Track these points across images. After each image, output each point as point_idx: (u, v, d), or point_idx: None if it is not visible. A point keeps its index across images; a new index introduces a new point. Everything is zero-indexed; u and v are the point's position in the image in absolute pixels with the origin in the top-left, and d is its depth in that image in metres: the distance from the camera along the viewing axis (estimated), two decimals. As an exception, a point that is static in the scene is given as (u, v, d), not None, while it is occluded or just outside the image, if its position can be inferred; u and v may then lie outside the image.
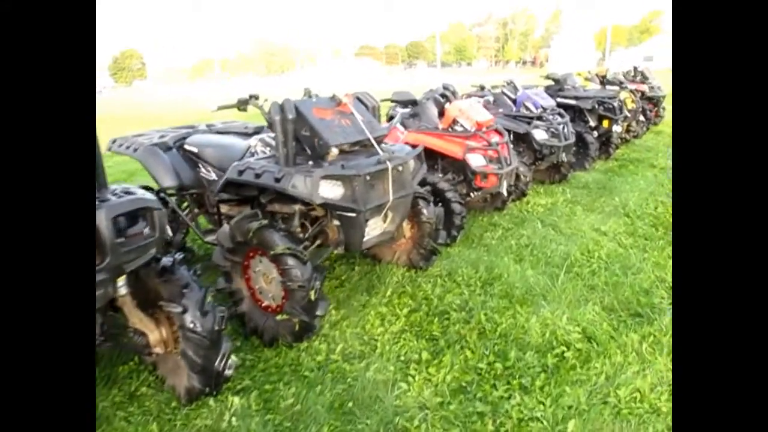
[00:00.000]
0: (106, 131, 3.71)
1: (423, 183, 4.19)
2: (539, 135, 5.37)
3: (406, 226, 3.70)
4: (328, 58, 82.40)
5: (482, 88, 5.91)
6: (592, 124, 6.90)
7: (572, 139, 5.57)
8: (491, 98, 5.84)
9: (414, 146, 3.48)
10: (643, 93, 9.88)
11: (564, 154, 5.57)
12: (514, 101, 5.67)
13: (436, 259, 3.78)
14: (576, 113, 7.01)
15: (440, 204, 4.17)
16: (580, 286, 3.34)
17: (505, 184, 4.40)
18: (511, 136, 5.53)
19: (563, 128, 5.54)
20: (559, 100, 6.85)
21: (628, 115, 8.08)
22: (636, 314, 2.98)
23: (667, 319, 2.86)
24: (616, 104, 6.82)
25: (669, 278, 3.40)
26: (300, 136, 3.01)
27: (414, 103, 4.62)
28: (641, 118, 9.02)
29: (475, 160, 4.20)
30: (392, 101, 4.45)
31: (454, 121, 4.33)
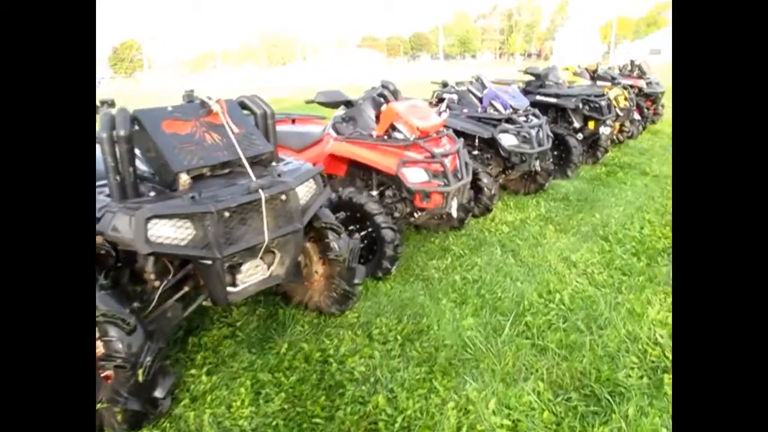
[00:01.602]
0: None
1: (346, 205, 3.43)
2: (507, 140, 4.58)
3: (317, 260, 2.95)
4: (331, 49, 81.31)
5: (445, 84, 5.11)
6: (577, 125, 6.09)
7: (548, 145, 4.78)
8: (455, 97, 5.05)
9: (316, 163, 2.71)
10: (640, 89, 9.06)
11: (537, 162, 4.78)
12: (481, 100, 4.88)
13: (355, 301, 3.02)
14: (558, 113, 6.21)
15: (369, 230, 3.42)
16: (527, 348, 2.56)
17: (454, 204, 3.61)
18: (476, 141, 4.79)
19: (537, 132, 4.74)
20: (538, 98, 6.05)
21: (620, 114, 7.26)
22: (591, 398, 2.20)
23: (632, 410, 2.08)
24: (603, 103, 6.00)
25: (643, 335, 2.63)
26: (147, 158, 2.26)
27: (349, 104, 3.84)
28: (636, 116, 8.19)
29: (413, 176, 3.42)
30: (318, 103, 3.67)
31: (393, 127, 3.55)
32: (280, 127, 4.29)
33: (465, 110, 4.89)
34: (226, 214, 2.14)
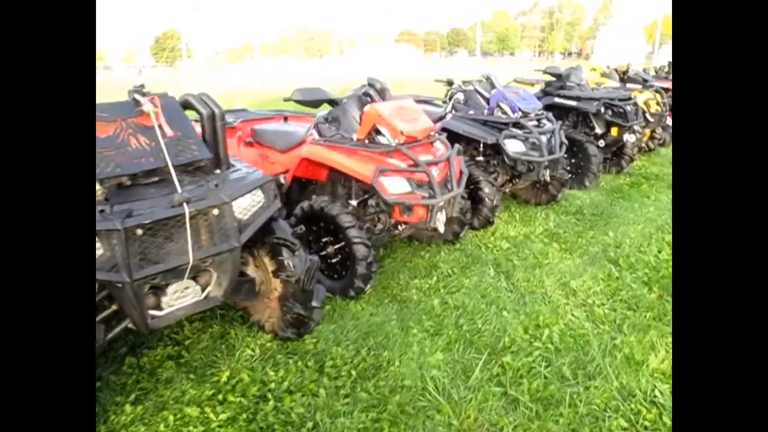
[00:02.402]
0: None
1: (318, 216, 3.11)
2: (513, 146, 4.17)
3: (274, 279, 2.64)
4: (367, 43, 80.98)
5: (450, 83, 4.71)
6: (599, 131, 5.59)
7: (560, 153, 4.33)
8: (461, 97, 4.65)
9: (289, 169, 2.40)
10: (677, 93, 8.41)
11: (547, 172, 4.34)
12: (489, 101, 4.47)
13: (314, 325, 2.70)
14: (579, 118, 5.72)
15: (343, 245, 3.09)
16: (496, 398, 2.19)
17: (440, 218, 3.24)
18: (481, 146, 4.40)
19: (548, 138, 4.31)
20: (557, 100, 5.58)
21: (651, 120, 6.70)
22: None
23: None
24: (629, 108, 5.48)
25: (639, 390, 2.21)
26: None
27: (333, 103, 3.51)
28: (670, 122, 7.58)
29: (393, 186, 3.06)
30: (295, 101, 3.33)
31: (376, 130, 3.21)
32: (266, 126, 4.01)
33: (471, 112, 4.49)
34: (139, 231, 1.84)
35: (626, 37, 43.16)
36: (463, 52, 78.86)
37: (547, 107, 5.66)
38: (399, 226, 3.41)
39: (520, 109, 4.25)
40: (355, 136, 3.23)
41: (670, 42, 54.58)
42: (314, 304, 2.62)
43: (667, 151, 7.58)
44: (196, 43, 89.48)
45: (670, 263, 3.56)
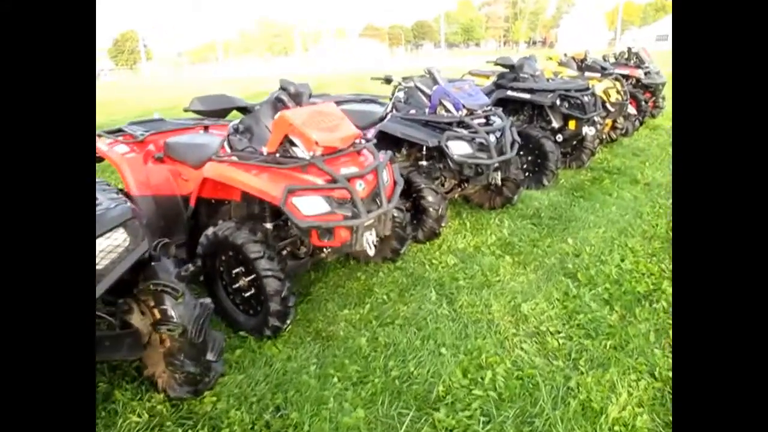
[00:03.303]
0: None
1: (224, 245, 2.64)
2: (457, 148, 3.73)
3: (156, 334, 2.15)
4: (331, 38, 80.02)
5: (388, 80, 4.25)
6: (556, 125, 5.22)
7: (511, 153, 3.92)
8: (401, 95, 4.20)
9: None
10: (637, 80, 8.17)
11: (498, 174, 3.93)
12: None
13: (214, 379, 2.22)
14: (535, 111, 5.33)
15: (253, 278, 2.61)
16: (421, 477, 1.75)
17: (369, 239, 2.79)
18: (424, 150, 3.96)
19: (499, 137, 3.90)
20: (509, 94, 5.18)
21: (611, 109, 6.38)
22: None
23: None
24: (586, 98, 5.11)
25: (598, 453, 1.81)
26: None
27: (245, 111, 3.02)
28: (632, 111, 7.28)
29: (308, 207, 2.59)
30: (195, 112, 2.81)
31: (291, 142, 2.73)
32: (179, 139, 3.48)
33: (413, 111, 4.05)
34: None
35: (588, 25, 43.48)
36: (428, 44, 78.64)
37: (500, 101, 5.27)
38: (324, 250, 2.95)
39: (464, 106, 3.81)
40: (265, 150, 2.75)
41: (631, 28, 55.43)
42: (209, 357, 2.14)
43: (630, 142, 7.29)
44: (157, 45, 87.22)
45: (633, 274, 3.18)
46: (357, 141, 3.00)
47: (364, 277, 3.33)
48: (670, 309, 2.77)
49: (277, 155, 2.72)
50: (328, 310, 2.96)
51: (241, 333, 2.67)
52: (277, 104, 2.92)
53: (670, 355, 2.33)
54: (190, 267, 2.13)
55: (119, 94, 19.90)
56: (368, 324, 2.78)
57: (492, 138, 3.84)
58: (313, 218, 2.60)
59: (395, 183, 3.15)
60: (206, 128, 3.76)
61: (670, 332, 2.55)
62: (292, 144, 2.74)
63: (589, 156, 5.76)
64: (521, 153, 5.10)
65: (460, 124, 3.80)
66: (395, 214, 3.35)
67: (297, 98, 2.97)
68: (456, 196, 4.33)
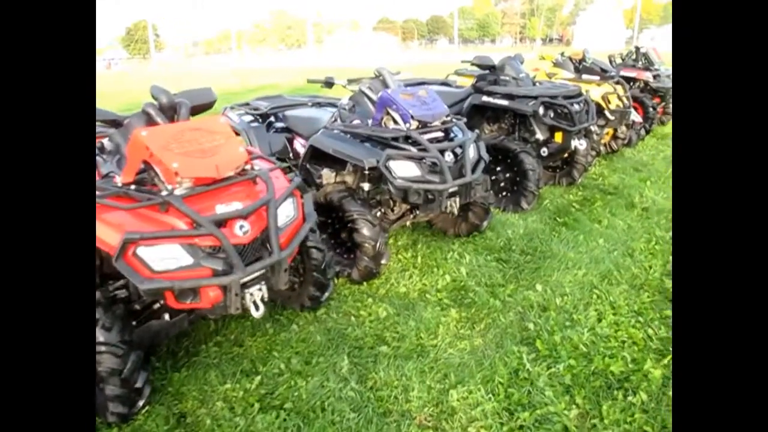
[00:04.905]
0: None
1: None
2: (402, 170, 3.01)
3: None
4: (345, 31, 79.12)
5: (329, 84, 3.54)
6: (540, 137, 4.46)
7: (473, 175, 3.19)
8: (346, 102, 3.49)
9: None
10: (645, 83, 7.36)
11: (455, 201, 3.21)
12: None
13: None
14: (518, 120, 4.59)
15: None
16: None
17: (255, 295, 2.12)
18: (367, 171, 3.25)
19: (458, 156, 3.18)
20: (484, 99, 4.44)
21: (611, 118, 5.62)
22: None
23: None
24: (576, 107, 4.36)
25: None
26: None
27: (116, 124, 2.36)
28: (637, 118, 6.50)
29: (160, 261, 1.90)
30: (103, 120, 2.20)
31: (152, 171, 2.05)
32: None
33: (357, 122, 3.34)
34: None
35: (605, 22, 42.14)
36: (443, 40, 77.43)
37: (477, 109, 4.55)
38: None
39: (412, 117, 3.09)
40: (119, 179, 2.07)
41: (651, 26, 53.72)
42: None
43: (633, 153, 6.50)
44: (171, 34, 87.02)
45: (610, 344, 2.46)
46: (248, 167, 2.32)
47: (271, 331, 2.66)
48: (651, 405, 2.05)
49: (132, 187, 2.05)
50: (208, 381, 2.29)
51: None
52: (147, 119, 2.24)
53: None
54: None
55: (126, 84, 19.51)
56: (248, 408, 2.11)
57: (448, 157, 3.12)
58: (166, 276, 1.92)
59: (303, 219, 2.47)
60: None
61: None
62: (155, 173, 2.07)
63: (581, 172, 5.01)
64: (498, 169, 4.38)
65: (408, 139, 3.08)
66: (315, 256, 2.67)
67: (169, 112, 2.28)
68: (408, 223, 3.62)
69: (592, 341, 2.48)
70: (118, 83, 20.35)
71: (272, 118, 4.00)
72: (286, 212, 2.41)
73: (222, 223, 2.09)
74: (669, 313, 2.72)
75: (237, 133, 4.02)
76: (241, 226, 2.12)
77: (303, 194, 2.55)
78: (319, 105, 4.18)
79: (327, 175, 3.39)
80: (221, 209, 2.11)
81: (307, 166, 3.43)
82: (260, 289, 2.24)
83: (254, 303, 2.22)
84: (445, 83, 5.45)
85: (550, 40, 70.40)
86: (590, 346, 2.43)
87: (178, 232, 1.96)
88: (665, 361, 2.32)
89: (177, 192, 2.07)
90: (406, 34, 76.41)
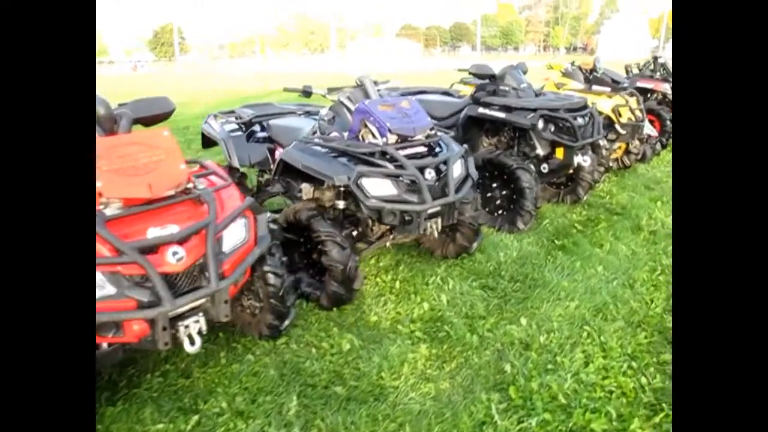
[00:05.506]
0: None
1: None
2: (375, 188, 2.77)
3: None
4: (367, 37, 79.31)
5: (307, 94, 3.30)
6: (541, 152, 4.17)
7: (457, 195, 2.93)
8: (325, 113, 3.27)
9: None
10: (663, 95, 7.00)
11: (435, 222, 2.95)
12: (361, 117, 3.07)
13: None
14: (517, 134, 4.31)
15: None
16: None
17: (190, 328, 1.91)
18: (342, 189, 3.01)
19: (441, 175, 2.93)
20: (480, 111, 4.17)
21: (622, 132, 5.30)
22: None
23: None
24: (579, 120, 4.06)
25: None
26: None
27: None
28: (651, 131, 6.14)
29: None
30: None
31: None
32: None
33: (335, 134, 3.11)
34: None
35: (630, 31, 41.32)
36: (466, 47, 77.05)
37: (474, 122, 4.29)
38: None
39: (390, 131, 2.85)
40: None
41: (678, 36, 52.14)
42: None
43: (646, 169, 6.14)
44: (197, 37, 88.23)
45: (595, 394, 2.17)
46: (190, 186, 2.11)
47: (224, 362, 2.43)
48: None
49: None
50: (141, 419, 2.07)
51: None
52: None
53: None
54: None
55: (151, 86, 19.74)
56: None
57: (429, 174, 2.87)
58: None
59: (257, 241, 2.25)
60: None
61: None
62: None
63: (586, 190, 4.69)
64: (494, 186, 4.11)
65: (385, 154, 2.84)
66: (272, 282, 2.44)
67: (108, 124, 2.08)
68: (388, 244, 3.37)
69: (575, 390, 2.19)
70: (143, 85, 20.59)
71: (256, 127, 3.84)
72: (236, 235, 2.20)
73: (153, 248, 1.88)
74: (667, 358, 2.42)
75: (214, 143, 3.84)
76: (175, 253, 1.91)
77: (257, 214, 2.32)
78: (308, 114, 3.98)
79: (306, 190, 3.15)
80: (153, 233, 1.90)
81: (279, 180, 3.21)
82: (197, 322, 2.02)
83: (189, 336, 2.00)
84: (446, 92, 5.20)
85: (574, 49, 69.48)
86: (571, 396, 2.15)
87: (98, 259, 1.75)
88: (657, 419, 2.02)
89: (107, 212, 1.87)
90: (429, 40, 76.22)
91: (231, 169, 3.74)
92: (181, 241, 1.94)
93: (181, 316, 1.99)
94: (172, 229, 1.95)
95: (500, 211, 4.08)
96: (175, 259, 1.90)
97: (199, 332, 2.03)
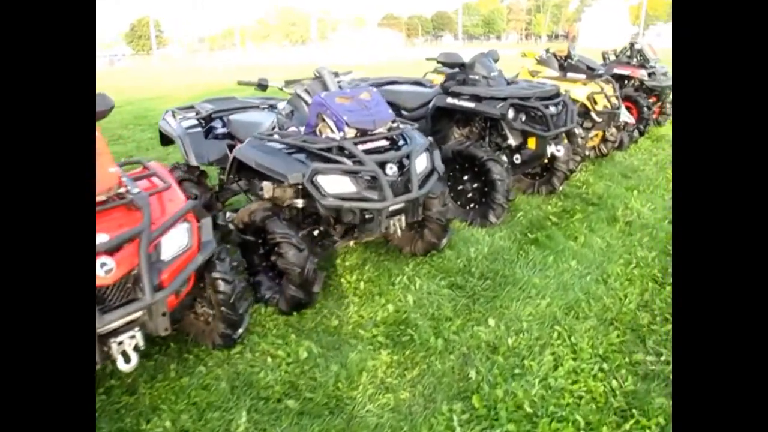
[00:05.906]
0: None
1: None
2: (332, 186, 2.61)
3: None
4: (349, 27, 78.60)
5: (263, 87, 3.13)
6: (513, 142, 4.05)
7: (420, 191, 2.78)
8: (284, 107, 3.10)
9: None
10: (640, 82, 6.93)
11: (398, 220, 2.82)
12: (320, 111, 2.91)
13: None
14: (488, 124, 4.17)
15: None
16: None
17: (122, 345, 1.75)
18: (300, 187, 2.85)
19: (403, 170, 2.78)
20: (449, 101, 4.03)
21: (598, 119, 5.21)
22: None
23: None
24: (551, 109, 3.94)
25: None
26: None
27: None
28: (628, 119, 6.06)
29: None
30: None
31: None
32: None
33: (292, 129, 2.95)
34: None
35: (611, 19, 41.42)
36: (448, 36, 76.74)
37: (443, 111, 4.14)
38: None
39: (347, 124, 2.69)
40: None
41: (658, 23, 52.80)
42: None
43: (623, 157, 6.06)
44: (176, 30, 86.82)
45: (563, 401, 2.06)
46: (123, 190, 1.94)
47: (173, 375, 2.28)
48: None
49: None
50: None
51: None
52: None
53: None
54: None
55: (128, 81, 19.26)
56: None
57: (390, 170, 2.72)
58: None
59: (199, 247, 2.09)
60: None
61: None
62: None
63: (562, 180, 4.58)
64: (465, 179, 3.98)
65: (341, 150, 2.68)
66: (222, 289, 2.28)
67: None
68: (352, 243, 3.22)
69: (542, 396, 2.08)
70: (120, 80, 20.10)
71: (216, 123, 3.66)
72: (177, 242, 2.04)
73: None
74: (639, 358, 2.32)
75: (171, 141, 3.66)
76: (103, 264, 1.75)
77: (200, 218, 2.16)
78: (271, 108, 3.81)
79: (268, 188, 2.98)
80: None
81: (235, 179, 3.04)
82: (133, 337, 1.87)
83: (124, 353, 1.85)
84: (418, 82, 5.05)
85: (556, 37, 69.57)
86: (538, 404, 2.03)
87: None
88: (627, 426, 1.92)
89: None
90: (411, 30, 75.76)
91: (190, 168, 3.57)
92: (111, 251, 1.78)
93: (115, 332, 1.83)
94: (101, 238, 1.78)
95: (472, 205, 3.95)
96: (103, 271, 1.74)
97: (136, 348, 1.87)
